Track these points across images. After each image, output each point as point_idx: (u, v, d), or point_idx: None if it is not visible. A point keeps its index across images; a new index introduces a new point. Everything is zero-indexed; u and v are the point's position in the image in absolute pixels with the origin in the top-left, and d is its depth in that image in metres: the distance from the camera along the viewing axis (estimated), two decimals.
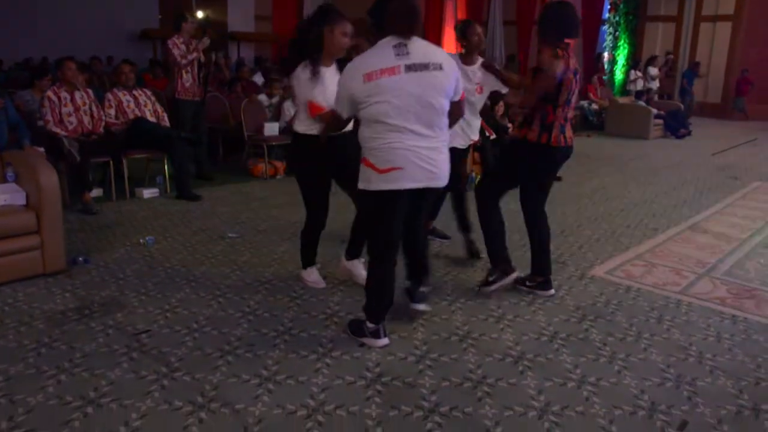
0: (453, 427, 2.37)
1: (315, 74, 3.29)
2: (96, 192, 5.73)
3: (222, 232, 4.88)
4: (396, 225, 2.94)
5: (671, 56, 15.97)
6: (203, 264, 4.12)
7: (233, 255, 4.32)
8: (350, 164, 3.24)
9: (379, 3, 2.83)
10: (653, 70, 14.48)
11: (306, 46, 3.34)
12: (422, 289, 3.30)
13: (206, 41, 6.60)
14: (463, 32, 4.10)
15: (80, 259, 4.08)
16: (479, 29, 4.12)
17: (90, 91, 5.89)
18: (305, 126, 3.42)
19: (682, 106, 13.05)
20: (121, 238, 4.64)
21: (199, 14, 18.02)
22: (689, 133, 12.26)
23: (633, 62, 15.14)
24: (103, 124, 5.81)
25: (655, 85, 14.32)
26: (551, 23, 3.46)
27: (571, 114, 3.59)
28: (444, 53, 2.87)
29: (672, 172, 8.33)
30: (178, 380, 2.64)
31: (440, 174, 2.89)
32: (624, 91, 14.69)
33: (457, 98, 2.92)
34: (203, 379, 2.65)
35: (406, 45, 2.71)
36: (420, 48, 2.75)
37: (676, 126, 12.24)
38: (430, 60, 2.73)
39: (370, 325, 3.02)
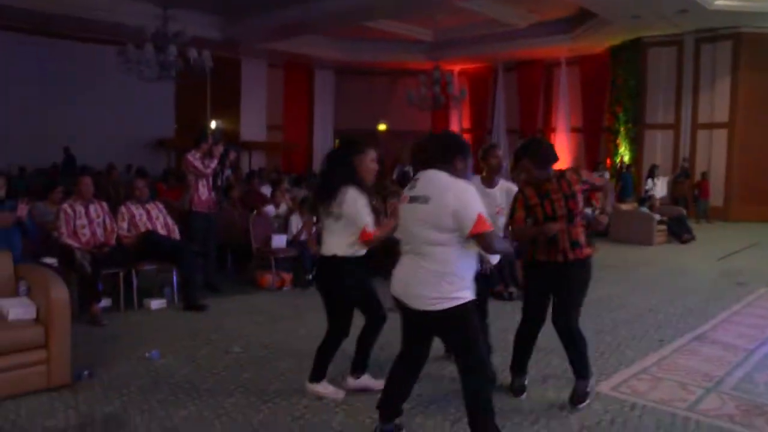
0: None
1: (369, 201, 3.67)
2: (104, 302, 5.81)
3: (227, 345, 4.90)
4: (406, 334, 3.18)
5: (686, 163, 16.29)
6: (207, 380, 4.12)
7: (237, 371, 4.32)
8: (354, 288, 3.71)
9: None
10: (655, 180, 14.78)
11: (343, 173, 3.62)
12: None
13: (220, 148, 6.90)
14: (484, 156, 4.34)
15: (85, 372, 4.10)
16: (499, 152, 4.31)
17: (104, 205, 6.11)
18: (349, 248, 3.67)
19: (684, 212, 13.22)
20: (127, 351, 4.67)
21: (213, 124, 18.89)
22: (693, 238, 12.36)
23: (648, 172, 15.11)
24: (116, 236, 5.99)
25: (659, 193, 14.49)
26: (543, 157, 3.71)
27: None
28: (446, 186, 2.86)
29: (677, 278, 8.34)
30: None
31: (413, 291, 2.94)
32: (640, 199, 14.69)
33: (466, 232, 2.81)
34: None
35: (418, 179, 3.01)
36: (424, 181, 2.97)
37: (679, 231, 12.37)
38: (421, 193, 2.91)
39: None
